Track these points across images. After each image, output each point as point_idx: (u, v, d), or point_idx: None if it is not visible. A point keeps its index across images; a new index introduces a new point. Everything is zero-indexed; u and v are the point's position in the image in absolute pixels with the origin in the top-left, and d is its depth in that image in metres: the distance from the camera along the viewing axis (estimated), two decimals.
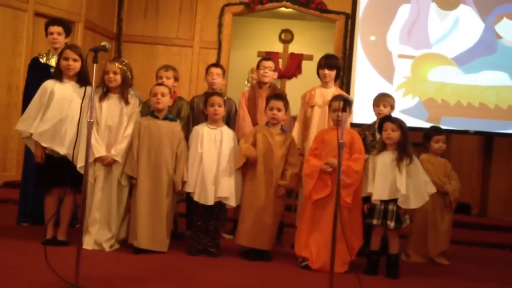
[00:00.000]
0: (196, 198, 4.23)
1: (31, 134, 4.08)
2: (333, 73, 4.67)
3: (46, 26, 4.78)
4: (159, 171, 4.16)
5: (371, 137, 4.64)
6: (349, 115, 4.31)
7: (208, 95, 4.46)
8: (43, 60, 4.77)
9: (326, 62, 4.68)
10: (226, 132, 4.35)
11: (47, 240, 4.00)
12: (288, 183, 4.24)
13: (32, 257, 3.66)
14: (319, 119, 4.61)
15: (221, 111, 4.31)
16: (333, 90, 4.65)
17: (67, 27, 4.86)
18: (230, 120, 4.82)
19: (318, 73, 4.76)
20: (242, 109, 4.86)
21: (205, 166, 4.22)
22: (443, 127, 5.26)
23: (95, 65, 3.12)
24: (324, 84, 4.71)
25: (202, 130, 4.31)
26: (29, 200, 4.73)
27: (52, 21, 4.89)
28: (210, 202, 4.20)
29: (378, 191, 4.07)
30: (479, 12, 6.55)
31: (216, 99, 4.30)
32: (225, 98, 4.52)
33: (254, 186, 4.24)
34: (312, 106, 4.67)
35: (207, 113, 4.34)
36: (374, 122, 4.76)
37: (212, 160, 4.24)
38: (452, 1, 6.64)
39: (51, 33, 4.72)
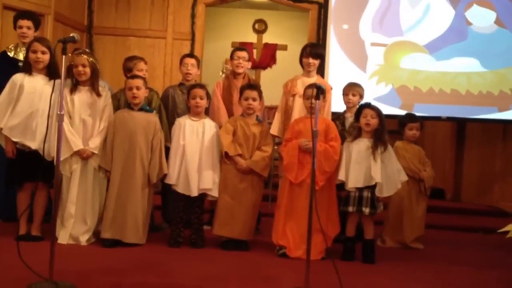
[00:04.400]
0: (180, 190, 4.22)
1: (1, 129, 4.01)
2: (317, 62, 4.55)
3: (15, 20, 4.68)
4: (132, 163, 4.13)
5: (341, 126, 4.65)
6: (323, 103, 4.30)
7: (190, 87, 4.42)
8: (11, 54, 4.69)
9: (312, 50, 4.53)
10: (209, 124, 4.34)
11: (21, 236, 3.94)
12: (252, 163, 4.22)
13: (6, 254, 3.60)
14: (300, 108, 4.51)
15: (203, 103, 4.29)
16: (315, 79, 4.51)
17: (37, 20, 4.77)
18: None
19: (301, 61, 4.61)
20: (217, 98, 4.82)
21: (188, 158, 4.21)
22: (416, 113, 5.32)
23: (64, 56, 3.07)
24: (307, 73, 4.59)
25: (184, 122, 4.29)
26: (1, 196, 4.64)
27: (21, 14, 4.79)
28: (194, 193, 4.19)
29: (353, 178, 4.10)
30: None
31: (198, 91, 4.28)
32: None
33: (231, 176, 4.24)
34: (294, 95, 4.53)
35: (189, 105, 4.33)
36: (344, 111, 4.78)
37: (194, 152, 4.23)
38: None
39: (20, 27, 4.63)
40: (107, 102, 4.22)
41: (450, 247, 4.90)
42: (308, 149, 4.04)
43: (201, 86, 4.39)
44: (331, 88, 4.71)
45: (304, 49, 4.61)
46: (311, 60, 4.53)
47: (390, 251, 4.55)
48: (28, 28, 4.63)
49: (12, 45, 4.77)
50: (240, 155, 4.24)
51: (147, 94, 4.35)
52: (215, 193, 4.26)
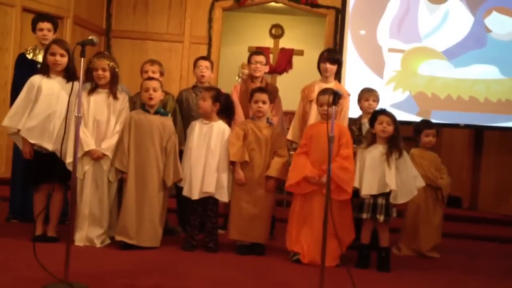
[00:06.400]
0: (185, 192, 4.22)
1: (19, 130, 4.04)
2: (334, 67, 4.56)
3: (35, 22, 4.73)
4: (148, 165, 4.13)
5: (358, 132, 4.62)
6: (338, 109, 4.28)
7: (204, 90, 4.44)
8: (30, 56, 4.73)
9: (329, 56, 4.58)
10: (218, 127, 4.31)
11: (37, 237, 3.95)
12: (277, 174, 4.23)
13: (22, 254, 3.63)
14: (317, 114, 4.50)
15: (204, 105, 4.27)
16: (332, 85, 4.51)
17: (56, 22, 4.83)
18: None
19: (318, 67, 4.64)
20: (235, 100, 4.81)
21: (193, 160, 4.22)
22: (433, 120, 5.27)
23: (82, 59, 3.09)
24: (324, 79, 4.60)
25: (195, 125, 4.30)
26: (19, 197, 4.69)
27: (41, 17, 4.83)
28: (195, 196, 4.19)
29: (367, 185, 4.06)
30: (468, 6, 6.57)
31: (201, 94, 4.33)
32: (217, 91, 4.48)
33: (245, 180, 4.24)
34: (311, 101, 4.53)
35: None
36: (360, 116, 4.76)
37: (200, 154, 4.23)
38: None
39: (41, 29, 4.67)
40: (124, 105, 4.23)
41: (466, 256, 4.84)
42: (315, 184, 4.04)
43: (208, 88, 4.42)
44: (349, 95, 4.69)
45: (321, 55, 4.63)
46: (328, 66, 4.54)
47: (405, 260, 4.51)
48: (49, 30, 4.68)
49: (31, 47, 4.82)
50: (246, 162, 4.23)
51: (163, 97, 4.35)
52: (220, 196, 4.24)
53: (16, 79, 4.70)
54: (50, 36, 4.67)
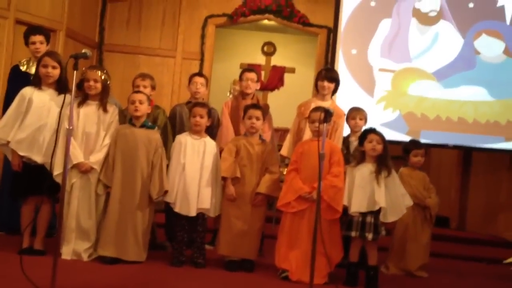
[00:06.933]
0: (177, 209, 4.20)
1: (8, 142, 4.02)
2: (332, 85, 4.60)
3: (27, 35, 4.71)
4: (133, 179, 4.11)
5: (346, 150, 4.65)
6: (329, 127, 4.31)
7: (191, 105, 4.45)
8: (23, 68, 4.72)
9: (327, 74, 4.63)
10: (209, 143, 4.34)
11: (24, 250, 3.92)
12: (266, 191, 4.24)
13: (8, 267, 3.59)
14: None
15: (202, 122, 4.29)
16: (329, 103, 4.54)
17: (48, 34, 4.82)
18: (213, 129, 4.82)
19: (316, 85, 4.69)
20: (225, 118, 4.83)
21: (188, 177, 4.20)
22: (422, 140, 5.32)
23: (75, 72, 3.10)
24: (321, 97, 4.63)
25: (186, 140, 4.29)
26: (6, 208, 4.64)
27: (33, 30, 4.82)
28: (193, 213, 4.18)
29: (357, 203, 4.08)
30: (458, 28, 6.66)
31: (198, 110, 4.29)
32: (210, 108, 4.51)
33: (236, 196, 4.24)
34: (307, 118, 4.50)
35: (190, 123, 4.34)
36: (348, 135, 4.79)
37: (195, 171, 4.22)
38: (432, 17, 6.74)
39: (33, 43, 4.66)
40: (113, 118, 4.23)
41: (454, 276, 4.85)
42: (309, 199, 4.05)
43: (203, 104, 4.40)
44: (344, 114, 4.71)
45: (319, 73, 4.70)
46: (326, 84, 4.58)
47: (393, 279, 4.51)
48: (41, 43, 4.67)
49: (25, 59, 4.80)
50: (237, 177, 4.23)
51: (150, 111, 4.33)
52: (211, 212, 4.25)
53: (9, 91, 4.66)
54: (43, 48, 4.66)
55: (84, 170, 4.08)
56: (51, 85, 4.11)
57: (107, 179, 4.11)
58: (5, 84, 5.72)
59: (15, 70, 4.80)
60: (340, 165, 4.14)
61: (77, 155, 4.06)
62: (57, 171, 3.92)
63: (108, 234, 4.06)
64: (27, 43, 4.72)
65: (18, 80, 4.63)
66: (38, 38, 4.67)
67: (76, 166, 4.06)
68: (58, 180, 3.86)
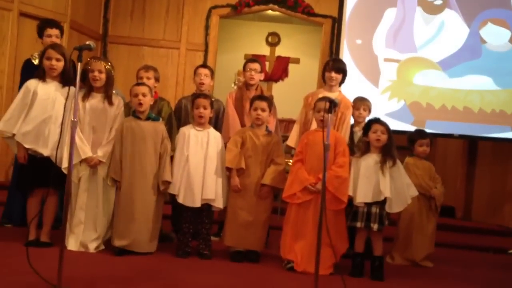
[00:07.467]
0: (181, 200, 4.21)
1: (14, 135, 4.03)
2: (339, 76, 4.57)
3: (43, 28, 4.63)
4: (144, 172, 4.12)
5: (349, 141, 4.63)
6: (334, 117, 4.30)
7: (194, 97, 4.45)
8: (35, 62, 4.67)
9: (335, 65, 4.58)
10: (213, 135, 4.33)
11: (30, 242, 3.95)
12: (271, 182, 4.24)
13: (15, 259, 3.61)
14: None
15: (206, 113, 4.28)
16: (337, 94, 4.52)
17: (62, 28, 4.77)
18: (219, 121, 4.81)
19: (323, 76, 4.67)
20: (231, 108, 4.82)
21: (191, 168, 4.20)
22: (428, 130, 5.29)
23: (79, 64, 3.09)
24: (329, 88, 4.61)
25: (189, 132, 4.29)
26: (16, 201, 4.65)
27: (50, 22, 4.75)
28: (197, 204, 4.19)
29: (362, 193, 4.08)
30: (464, 17, 6.61)
31: (201, 101, 4.28)
32: (213, 99, 4.50)
33: (241, 187, 4.24)
34: (313, 108, 4.59)
35: (194, 115, 4.34)
36: (352, 125, 4.77)
37: (198, 162, 4.22)
38: (438, 5, 6.69)
39: (50, 36, 4.59)
40: (119, 111, 4.23)
41: (460, 266, 4.85)
42: (314, 190, 4.05)
43: (205, 96, 4.40)
44: (352, 105, 4.69)
45: (327, 64, 4.65)
46: (333, 74, 4.55)
47: (399, 268, 4.51)
48: (57, 36, 4.61)
49: (37, 52, 4.72)
50: (242, 169, 4.23)
51: (152, 102, 4.32)
52: (219, 203, 4.25)
53: (22, 85, 4.64)
54: (58, 42, 4.60)
55: (93, 165, 4.10)
56: (55, 77, 4.11)
57: (116, 174, 4.11)
58: (10, 75, 5.74)
59: (27, 63, 4.76)
60: (345, 155, 4.14)
61: (85, 149, 4.07)
62: (65, 164, 3.92)
63: (119, 226, 4.08)
64: (41, 35, 4.65)
65: (30, 73, 4.54)
66: (54, 31, 4.61)
67: (85, 161, 4.08)
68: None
